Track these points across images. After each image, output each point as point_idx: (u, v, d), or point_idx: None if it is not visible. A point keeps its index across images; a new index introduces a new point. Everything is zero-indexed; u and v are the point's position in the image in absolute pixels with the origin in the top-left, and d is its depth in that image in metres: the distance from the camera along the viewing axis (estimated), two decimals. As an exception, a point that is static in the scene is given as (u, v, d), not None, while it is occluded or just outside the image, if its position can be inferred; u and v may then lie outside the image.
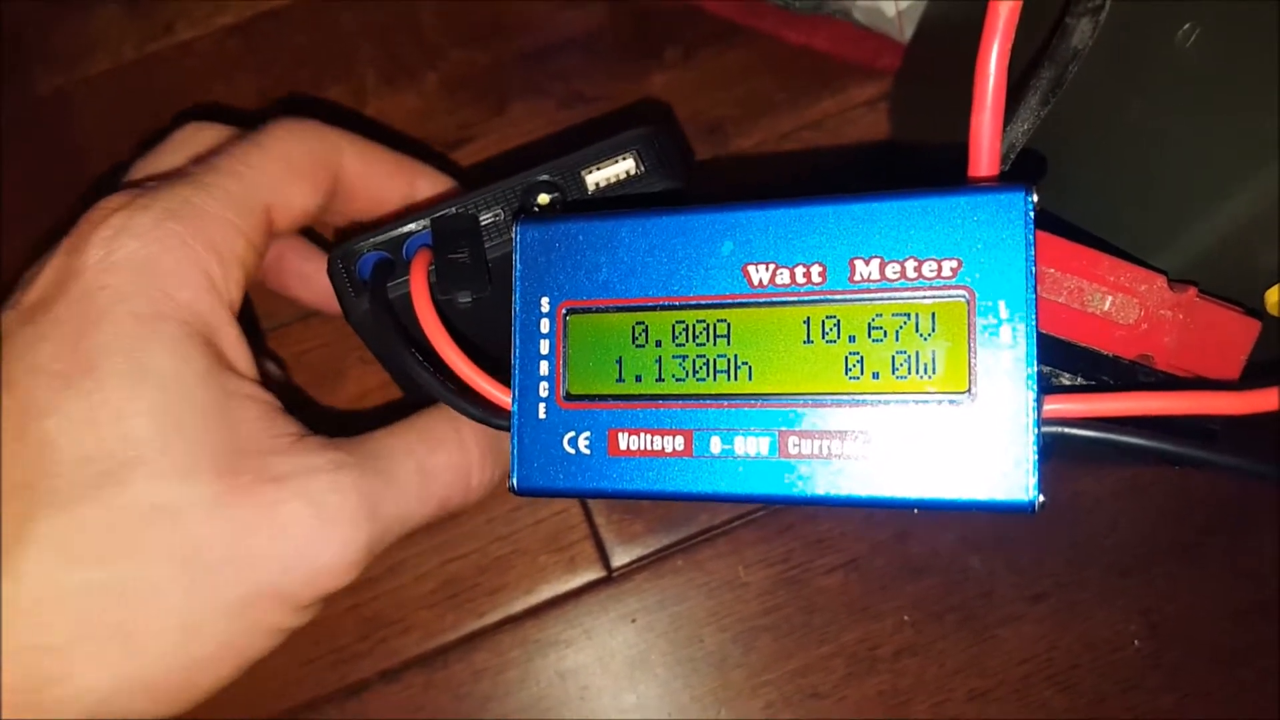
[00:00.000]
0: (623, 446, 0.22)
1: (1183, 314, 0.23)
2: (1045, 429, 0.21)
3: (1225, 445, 0.22)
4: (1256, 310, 0.24)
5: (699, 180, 0.44)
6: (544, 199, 0.28)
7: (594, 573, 0.39)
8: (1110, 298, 0.23)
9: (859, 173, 0.43)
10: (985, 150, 0.22)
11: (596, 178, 0.28)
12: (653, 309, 0.22)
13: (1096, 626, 0.37)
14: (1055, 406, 0.21)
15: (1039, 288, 0.23)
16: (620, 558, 0.39)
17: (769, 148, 0.46)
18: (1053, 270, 0.23)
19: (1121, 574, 0.37)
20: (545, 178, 0.27)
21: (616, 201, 0.27)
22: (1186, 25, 0.22)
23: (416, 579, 0.38)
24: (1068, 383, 0.23)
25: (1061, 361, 0.23)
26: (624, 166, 0.28)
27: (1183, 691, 0.36)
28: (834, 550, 0.38)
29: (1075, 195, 0.27)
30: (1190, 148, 0.23)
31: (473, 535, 0.39)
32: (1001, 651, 0.37)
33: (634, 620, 0.38)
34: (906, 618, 0.37)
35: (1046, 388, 0.22)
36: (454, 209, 0.27)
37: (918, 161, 0.37)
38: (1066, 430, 0.21)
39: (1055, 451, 0.22)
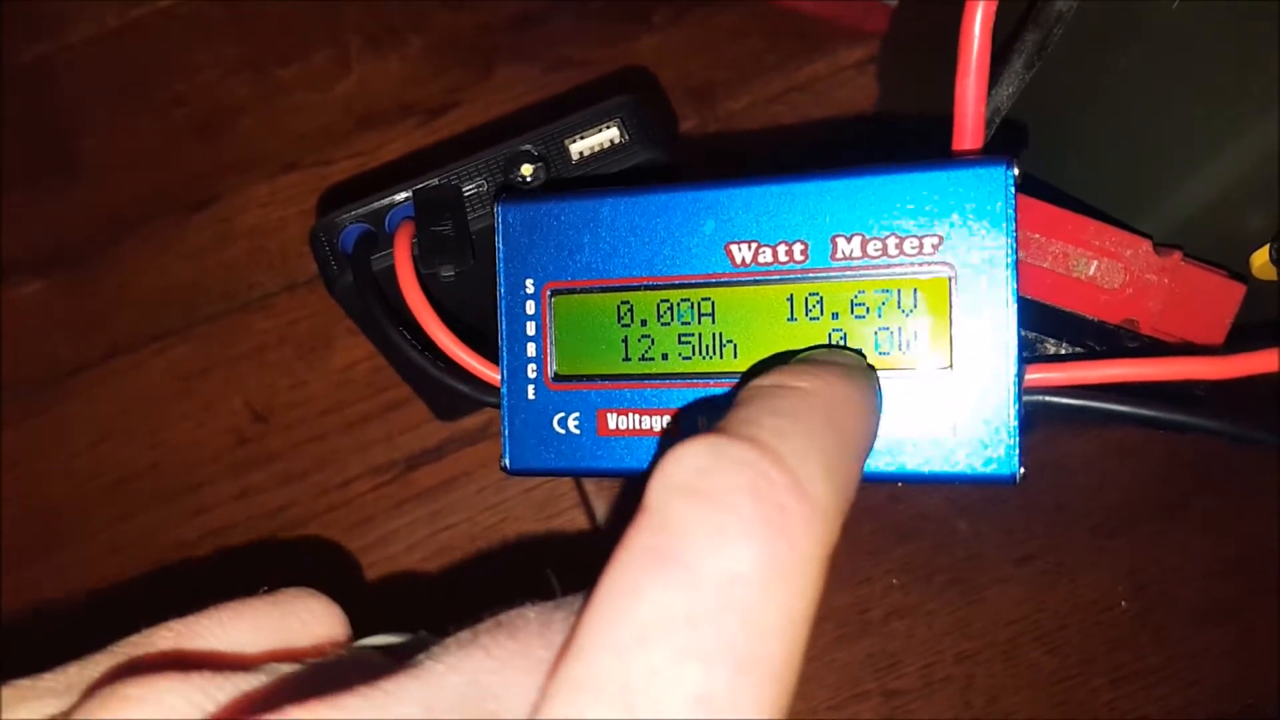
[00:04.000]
0: (612, 426, 0.22)
1: (1168, 278, 0.23)
2: (1028, 399, 0.21)
3: (1209, 410, 0.22)
4: (1242, 274, 0.24)
5: (684, 150, 0.44)
6: (527, 169, 0.27)
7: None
8: (1095, 262, 0.23)
9: (844, 144, 0.43)
10: (970, 120, 0.21)
11: (580, 147, 0.28)
12: (637, 289, 0.22)
13: (1083, 588, 0.37)
14: (1038, 376, 0.21)
15: (1024, 253, 0.23)
16: (612, 525, 0.39)
17: (758, 110, 0.45)
18: (1038, 236, 0.23)
19: (1108, 535, 0.38)
20: (528, 148, 0.27)
21: (600, 178, 0.27)
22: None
23: (408, 548, 0.39)
24: (1052, 349, 0.23)
25: (1047, 327, 0.23)
26: (608, 135, 0.28)
27: (1169, 651, 0.37)
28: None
29: (1061, 159, 0.27)
30: (1176, 111, 0.23)
31: (463, 504, 0.39)
32: (989, 613, 0.37)
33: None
34: (895, 581, 0.37)
35: (1031, 356, 0.22)
36: (437, 180, 0.27)
37: (903, 130, 0.37)
38: (1049, 399, 0.21)
39: (1042, 417, 0.22)
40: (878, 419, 0.18)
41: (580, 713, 0.12)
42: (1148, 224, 0.24)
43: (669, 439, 0.22)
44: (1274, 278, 0.24)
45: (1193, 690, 0.37)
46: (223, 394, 0.41)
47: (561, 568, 0.39)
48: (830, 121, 0.43)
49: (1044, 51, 0.22)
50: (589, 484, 0.39)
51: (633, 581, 0.12)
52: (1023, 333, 0.20)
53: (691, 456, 0.13)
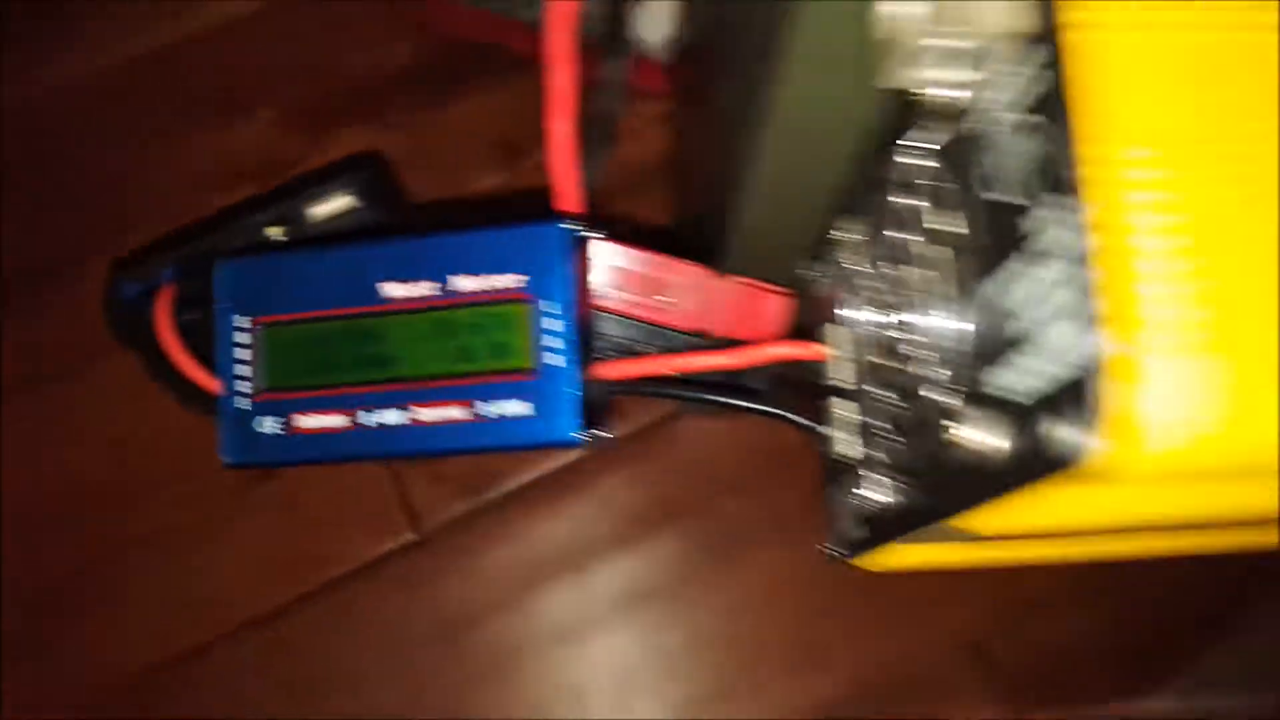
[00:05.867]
0: (302, 426, 0.29)
1: (729, 296, 0.30)
2: (597, 386, 0.28)
3: (748, 396, 0.29)
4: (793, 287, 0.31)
5: (423, 211, 0.51)
6: (275, 231, 0.35)
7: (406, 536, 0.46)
8: (672, 287, 0.30)
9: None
10: (565, 188, 0.29)
11: (319, 211, 0.35)
12: (323, 320, 0.29)
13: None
14: (604, 370, 0.28)
15: (615, 282, 0.30)
16: (429, 522, 0.46)
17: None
18: (627, 267, 0.30)
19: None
20: (266, 216, 0.34)
21: (330, 236, 0.34)
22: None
23: (236, 552, 0.45)
24: (640, 353, 0.30)
25: (640, 337, 0.30)
26: (343, 201, 0.35)
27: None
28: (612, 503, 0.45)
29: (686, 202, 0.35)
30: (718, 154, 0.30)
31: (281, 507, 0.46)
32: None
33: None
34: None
35: (603, 357, 0.30)
36: (200, 249, 0.34)
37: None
38: (614, 388, 0.29)
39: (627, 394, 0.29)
40: None
41: None
42: (725, 252, 0.31)
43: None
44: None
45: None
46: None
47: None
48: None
49: (611, 127, 0.29)
50: (408, 478, 0.46)
51: None
52: (615, 338, 0.28)
53: None
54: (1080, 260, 0.13)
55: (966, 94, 0.17)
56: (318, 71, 0.54)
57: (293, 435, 0.29)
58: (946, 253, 0.19)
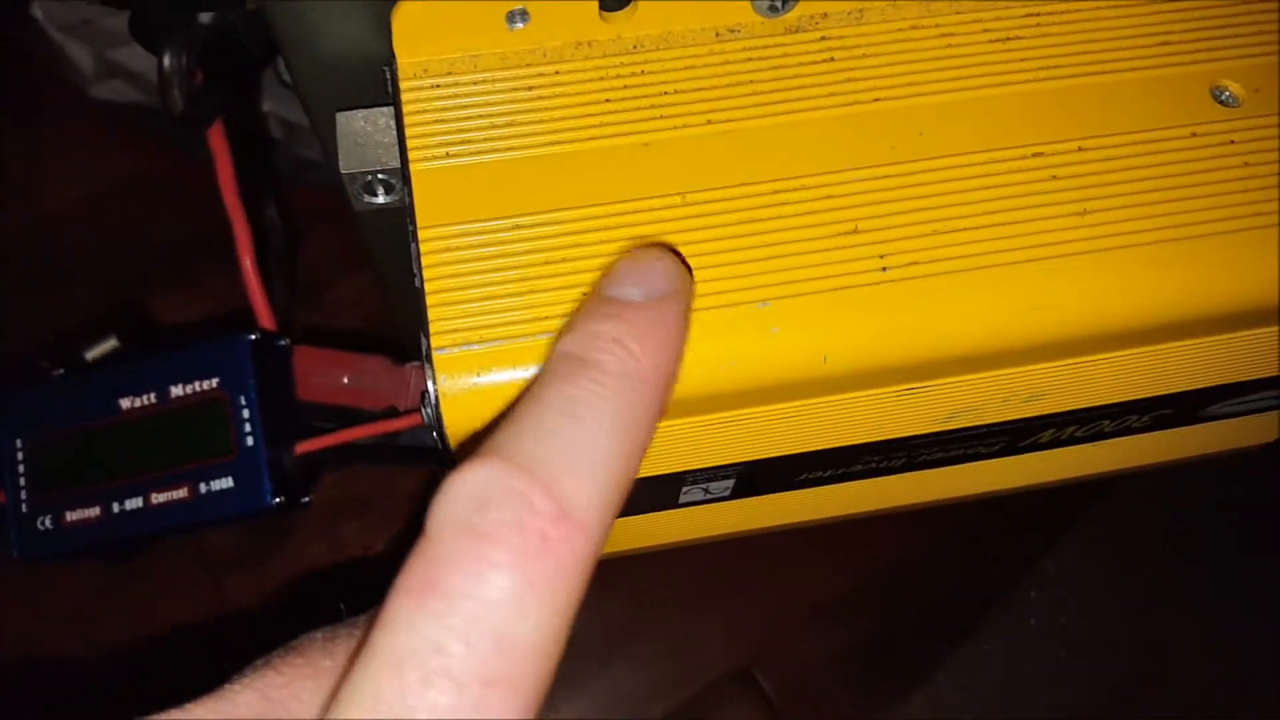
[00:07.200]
0: (69, 519, 0.37)
1: (410, 378, 0.39)
2: (294, 460, 0.36)
3: (424, 454, 0.37)
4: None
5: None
6: (59, 371, 0.43)
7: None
8: (359, 378, 0.39)
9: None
10: (260, 309, 0.37)
11: (94, 352, 0.43)
12: (82, 432, 0.37)
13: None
14: (303, 446, 0.36)
15: (314, 375, 0.38)
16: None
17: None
18: (320, 368, 0.38)
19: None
20: (50, 362, 0.42)
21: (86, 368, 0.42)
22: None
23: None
24: (331, 429, 0.38)
25: (336, 418, 0.38)
26: (110, 343, 0.43)
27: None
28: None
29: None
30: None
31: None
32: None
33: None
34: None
35: (308, 433, 0.38)
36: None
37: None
38: (316, 459, 0.36)
39: (339, 465, 0.37)
40: (678, 363, 0.18)
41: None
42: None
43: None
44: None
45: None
46: None
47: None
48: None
49: (287, 258, 0.38)
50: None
51: (399, 609, 0.14)
52: (316, 422, 0.36)
53: (470, 485, 0.15)
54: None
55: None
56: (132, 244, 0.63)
57: (63, 528, 0.37)
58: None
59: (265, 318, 0.37)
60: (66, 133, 0.63)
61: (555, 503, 0.15)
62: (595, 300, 0.19)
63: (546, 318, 0.21)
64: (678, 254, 0.21)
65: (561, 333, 0.18)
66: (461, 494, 0.15)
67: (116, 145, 0.63)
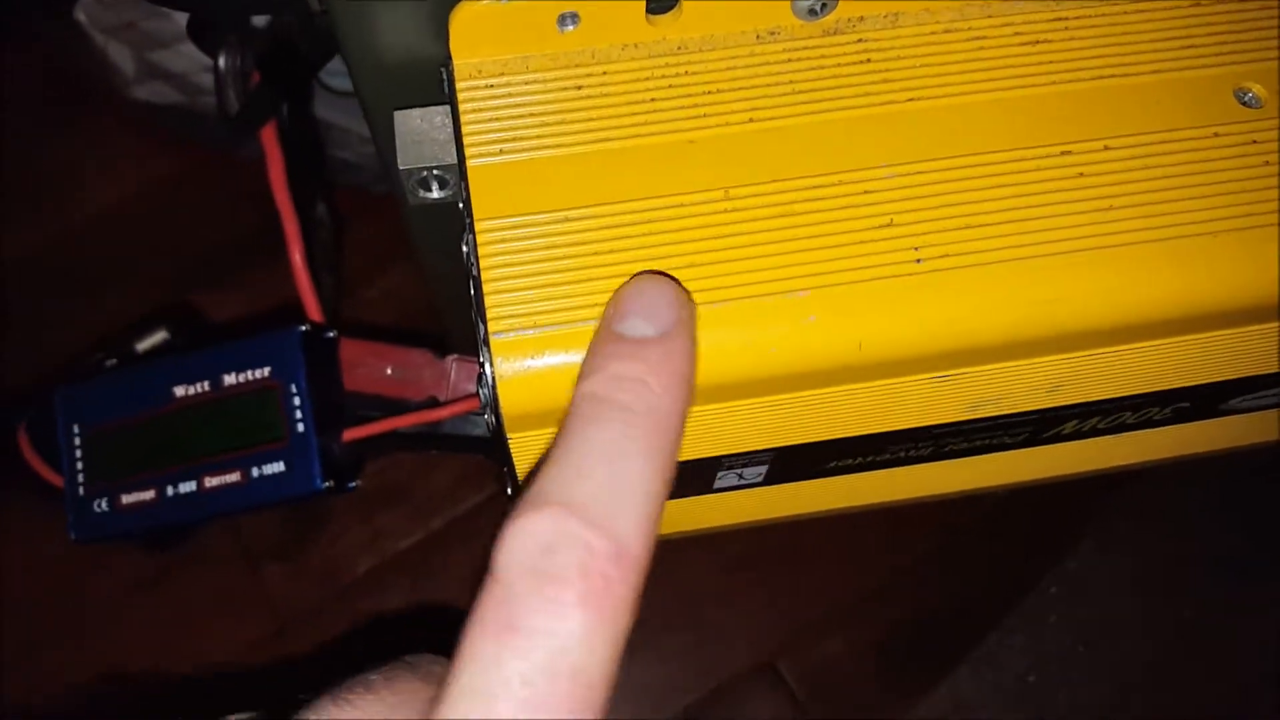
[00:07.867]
0: (124, 502, 0.38)
1: (450, 369, 0.40)
2: (342, 447, 0.37)
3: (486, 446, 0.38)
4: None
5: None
6: (113, 362, 0.44)
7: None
8: (401, 370, 0.40)
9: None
10: (306, 299, 0.39)
11: (142, 345, 0.45)
12: (138, 419, 0.39)
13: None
14: (350, 433, 0.38)
15: (360, 369, 0.40)
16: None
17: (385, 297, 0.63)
18: (366, 359, 0.40)
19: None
20: (104, 353, 0.44)
21: (138, 360, 0.44)
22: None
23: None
24: (376, 418, 0.39)
25: (380, 407, 0.40)
26: (161, 335, 0.45)
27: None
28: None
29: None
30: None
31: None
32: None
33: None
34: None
35: (354, 421, 0.39)
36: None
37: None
38: (362, 447, 0.38)
39: (382, 452, 0.39)
40: (692, 389, 0.20)
41: None
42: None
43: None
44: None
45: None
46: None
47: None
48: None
49: (333, 253, 0.39)
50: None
51: (483, 648, 0.15)
52: (362, 411, 0.37)
53: (533, 532, 0.16)
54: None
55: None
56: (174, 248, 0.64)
57: (118, 511, 0.38)
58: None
59: (314, 310, 0.39)
60: (108, 133, 0.65)
61: (611, 542, 0.16)
62: (609, 339, 0.20)
63: (595, 305, 0.22)
64: (676, 281, 0.22)
65: (583, 374, 0.19)
66: (526, 540, 0.16)
67: (156, 146, 0.64)
